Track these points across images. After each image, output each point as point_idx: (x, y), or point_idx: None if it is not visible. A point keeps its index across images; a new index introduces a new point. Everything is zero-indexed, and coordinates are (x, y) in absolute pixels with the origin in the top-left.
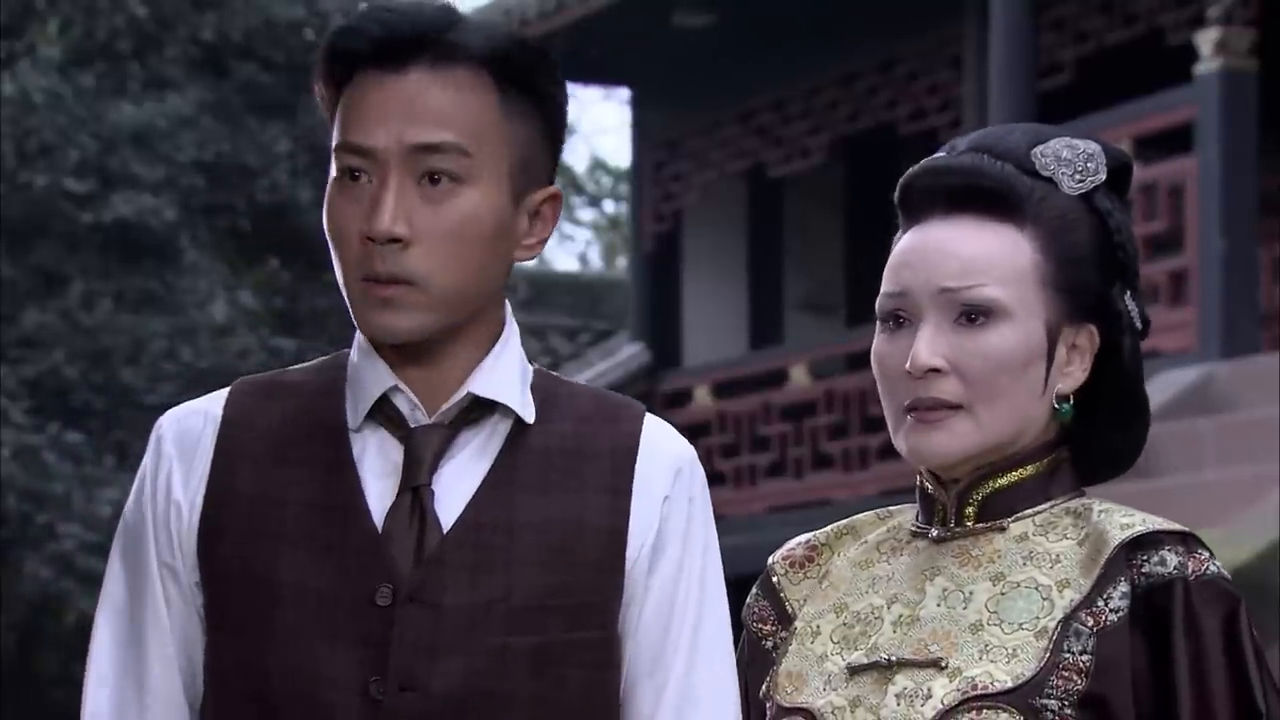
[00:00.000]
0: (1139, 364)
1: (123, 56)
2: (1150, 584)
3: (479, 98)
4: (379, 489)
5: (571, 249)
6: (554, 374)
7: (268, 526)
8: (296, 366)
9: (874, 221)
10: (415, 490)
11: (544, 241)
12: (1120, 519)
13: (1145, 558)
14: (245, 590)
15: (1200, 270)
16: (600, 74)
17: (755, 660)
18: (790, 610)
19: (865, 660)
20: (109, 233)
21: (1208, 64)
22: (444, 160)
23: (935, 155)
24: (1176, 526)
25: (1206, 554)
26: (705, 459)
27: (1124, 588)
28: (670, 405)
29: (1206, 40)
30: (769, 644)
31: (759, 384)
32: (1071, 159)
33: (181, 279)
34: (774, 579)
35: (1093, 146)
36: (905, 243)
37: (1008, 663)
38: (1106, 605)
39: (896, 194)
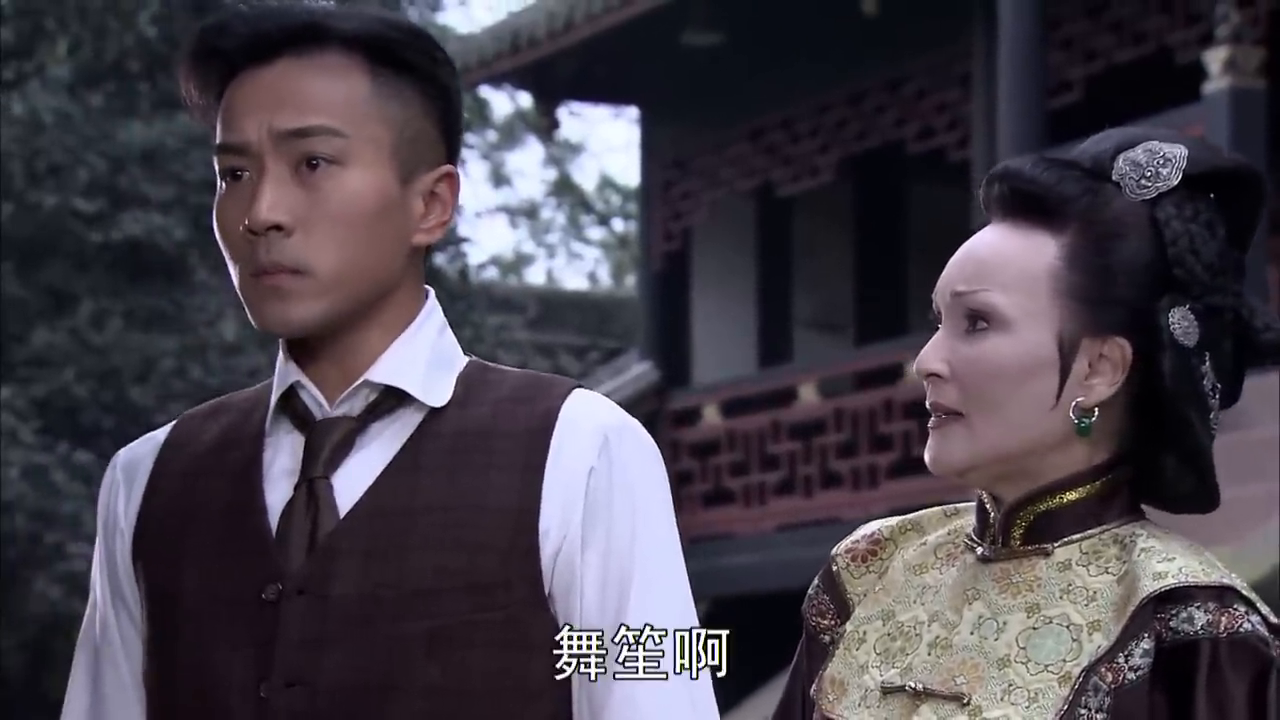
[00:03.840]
0: (1189, 384)
1: (132, 76)
2: (1176, 641)
3: (349, 79)
4: (284, 488)
5: (580, 267)
6: (489, 364)
7: (180, 539)
8: (250, 387)
9: (882, 239)
10: (310, 483)
11: (445, 224)
12: (1156, 564)
13: (1174, 612)
14: (162, 604)
15: None
16: (609, 93)
17: (813, 655)
18: (851, 604)
19: (898, 681)
20: (118, 252)
21: (1216, 82)
22: (317, 144)
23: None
24: (1215, 579)
25: (1242, 609)
26: (714, 477)
27: (1147, 645)
28: (679, 423)
29: (1215, 59)
30: (827, 638)
31: (768, 402)
32: (1145, 163)
33: (191, 297)
34: (835, 570)
35: (1175, 150)
36: None
37: (1027, 707)
38: (1126, 663)
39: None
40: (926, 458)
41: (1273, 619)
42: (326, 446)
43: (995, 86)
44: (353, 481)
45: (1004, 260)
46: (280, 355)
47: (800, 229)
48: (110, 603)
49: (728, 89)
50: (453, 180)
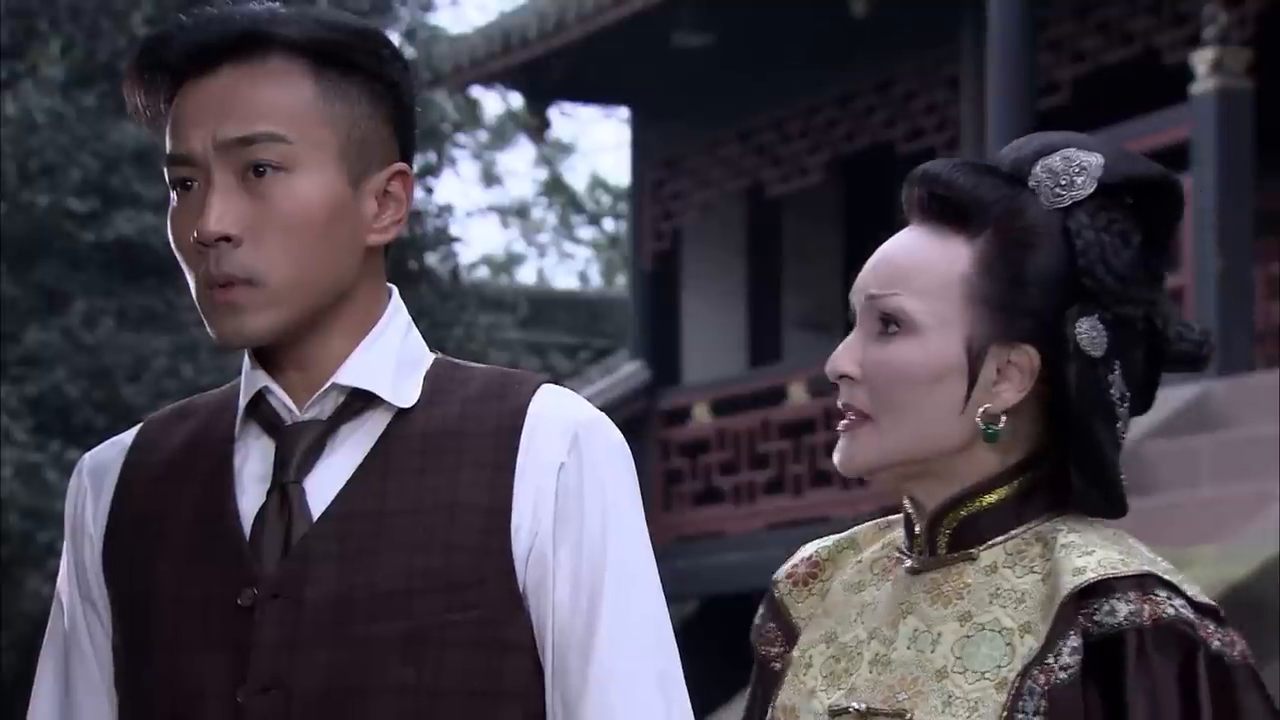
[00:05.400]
0: (1094, 393)
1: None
2: (1102, 635)
3: (293, 84)
4: (256, 493)
5: (571, 267)
6: (457, 361)
7: (151, 543)
8: (213, 390)
9: (872, 240)
10: (283, 488)
11: (399, 222)
12: (1075, 560)
13: (1096, 606)
14: (133, 610)
15: (1196, 288)
16: (600, 94)
17: (765, 683)
18: (797, 628)
19: (844, 703)
20: (111, 251)
21: (1204, 83)
22: (262, 151)
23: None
24: (1134, 568)
25: (1164, 594)
26: (704, 476)
27: (1075, 642)
28: (669, 422)
29: (1202, 60)
30: (778, 665)
31: (758, 401)
32: (1061, 171)
33: (183, 297)
34: (778, 597)
35: (1091, 159)
36: None
37: (968, 717)
38: (1056, 663)
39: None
40: (835, 460)
41: (1199, 599)
42: (298, 451)
43: (984, 87)
44: (324, 485)
45: (917, 265)
46: (246, 360)
47: (790, 229)
48: (80, 608)
49: (718, 90)
50: (406, 178)
